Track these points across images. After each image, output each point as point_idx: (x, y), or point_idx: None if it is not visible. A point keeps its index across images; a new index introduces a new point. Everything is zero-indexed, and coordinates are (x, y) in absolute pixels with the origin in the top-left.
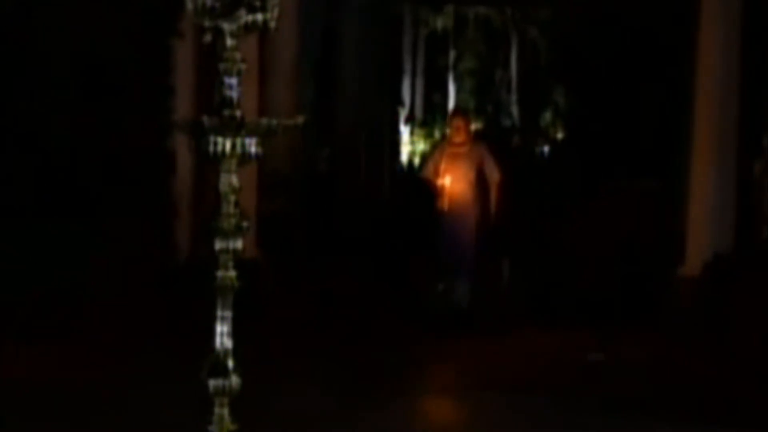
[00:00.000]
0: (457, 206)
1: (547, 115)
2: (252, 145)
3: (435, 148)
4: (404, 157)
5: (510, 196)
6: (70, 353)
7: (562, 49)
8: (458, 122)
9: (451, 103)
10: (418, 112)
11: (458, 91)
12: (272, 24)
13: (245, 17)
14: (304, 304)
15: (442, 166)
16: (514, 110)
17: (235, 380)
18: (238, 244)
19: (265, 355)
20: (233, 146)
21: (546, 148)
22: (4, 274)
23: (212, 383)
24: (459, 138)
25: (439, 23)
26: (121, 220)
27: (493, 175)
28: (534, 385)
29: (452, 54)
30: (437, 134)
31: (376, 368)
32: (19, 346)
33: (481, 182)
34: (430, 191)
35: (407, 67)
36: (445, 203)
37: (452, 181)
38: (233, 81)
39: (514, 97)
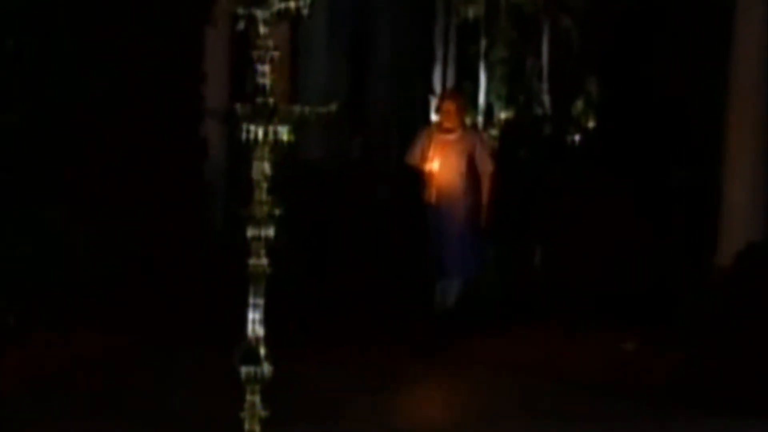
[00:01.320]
0: (446, 198)
1: (579, 104)
2: (284, 133)
3: (422, 131)
4: None
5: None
6: (104, 337)
7: (595, 38)
8: (449, 105)
9: (483, 92)
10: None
11: (489, 80)
12: (305, 12)
13: (278, 5)
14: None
15: (430, 153)
16: (546, 99)
17: (266, 368)
18: (270, 231)
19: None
20: (266, 134)
21: (577, 137)
22: (37, 259)
23: (244, 370)
24: (449, 123)
25: (471, 11)
26: (153, 207)
27: (485, 166)
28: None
29: (484, 42)
30: (468, 123)
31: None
32: (55, 330)
33: (472, 173)
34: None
35: (439, 55)
36: (432, 193)
37: (440, 170)
38: (266, 68)
39: (545, 86)
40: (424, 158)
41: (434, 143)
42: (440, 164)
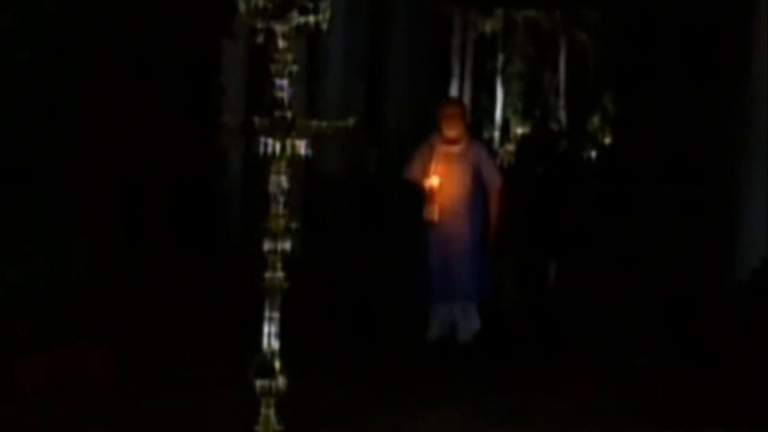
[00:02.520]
0: (450, 215)
1: (595, 120)
2: (302, 147)
3: (423, 143)
4: None
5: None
6: (118, 350)
7: (611, 54)
8: (452, 110)
9: (499, 107)
10: (466, 116)
11: (506, 95)
12: (324, 26)
13: (297, 19)
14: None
15: (432, 166)
16: (562, 114)
17: (281, 381)
18: (287, 245)
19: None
20: (283, 147)
21: (594, 153)
22: (50, 271)
23: (259, 383)
24: (452, 132)
25: (489, 26)
26: (169, 220)
27: (494, 180)
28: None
29: (501, 57)
30: (484, 137)
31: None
32: (68, 342)
33: (477, 188)
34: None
35: (456, 69)
36: (434, 211)
37: (444, 185)
38: (284, 82)
39: (562, 101)
40: (425, 172)
41: (437, 155)
42: (443, 178)
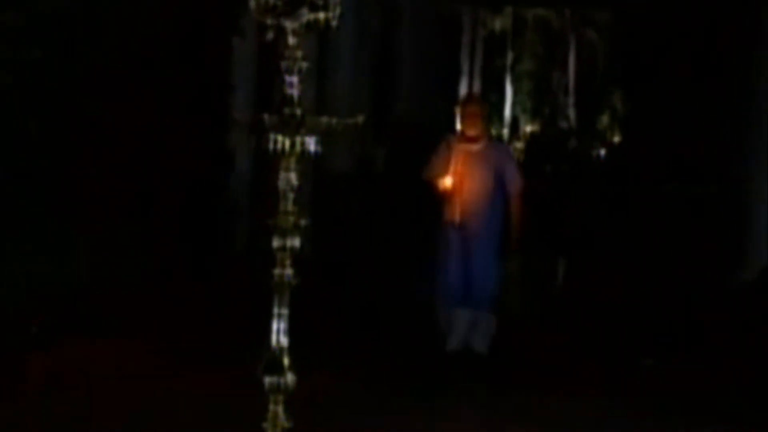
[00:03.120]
0: (471, 217)
1: (604, 119)
2: (312, 144)
3: (442, 142)
4: None
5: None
6: (126, 346)
7: (620, 52)
8: (473, 109)
9: (508, 105)
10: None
11: (515, 93)
12: (334, 23)
13: (307, 16)
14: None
15: (452, 166)
16: (571, 113)
17: (290, 378)
18: (296, 242)
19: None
20: (293, 144)
21: (602, 152)
22: (60, 268)
23: (267, 380)
24: (473, 130)
25: (498, 24)
26: (179, 216)
27: (515, 182)
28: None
29: (510, 55)
30: (493, 135)
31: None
32: (77, 339)
33: (499, 190)
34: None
35: (465, 67)
36: (455, 212)
37: (464, 185)
38: (294, 79)
39: (571, 100)
40: (445, 172)
41: (456, 155)
42: (463, 178)
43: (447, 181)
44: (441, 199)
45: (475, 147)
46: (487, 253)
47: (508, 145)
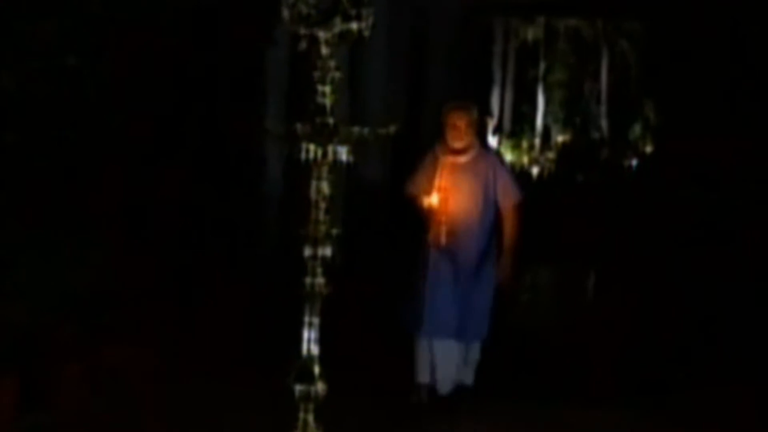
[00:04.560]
0: (457, 239)
1: (636, 128)
2: (343, 153)
3: (427, 154)
4: None
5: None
6: (158, 354)
7: (653, 62)
8: (458, 118)
9: (540, 115)
10: (507, 123)
11: (547, 103)
12: (366, 33)
13: (340, 26)
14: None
15: (436, 181)
16: (603, 123)
17: (320, 386)
18: (327, 251)
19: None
20: (325, 154)
21: (634, 162)
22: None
23: (298, 389)
24: (459, 142)
25: (530, 34)
26: (210, 225)
27: (508, 197)
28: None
29: (542, 65)
30: (525, 145)
31: None
32: (110, 345)
33: (490, 206)
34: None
35: (497, 77)
36: (440, 233)
37: (450, 201)
38: (326, 89)
39: (603, 110)
40: (429, 188)
41: (442, 169)
42: (449, 194)
43: (433, 199)
44: (426, 218)
45: (462, 159)
46: (479, 279)
47: (540, 155)
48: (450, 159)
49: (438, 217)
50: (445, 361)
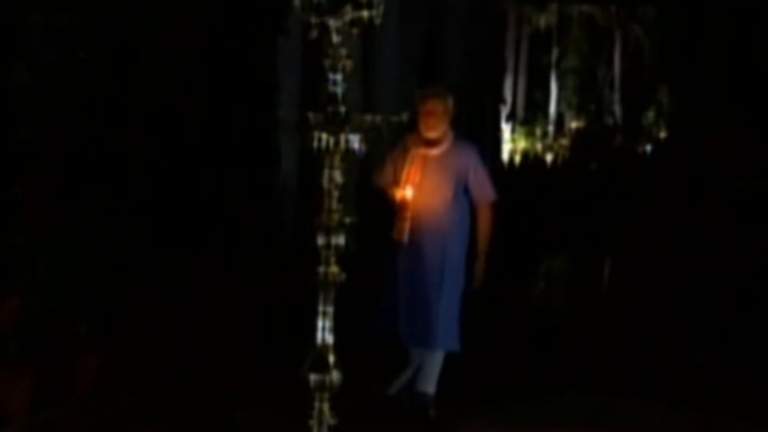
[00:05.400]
0: (424, 237)
1: (650, 114)
2: (356, 142)
3: (397, 144)
4: (505, 154)
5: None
6: (174, 346)
7: (666, 48)
8: (432, 104)
9: (554, 102)
10: (520, 110)
11: (561, 90)
12: (377, 21)
13: (351, 14)
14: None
15: (404, 173)
16: (617, 109)
17: (336, 375)
18: (341, 239)
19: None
20: (337, 142)
21: (648, 148)
22: (107, 268)
23: (313, 378)
24: (432, 132)
25: (543, 21)
26: (225, 215)
27: (483, 193)
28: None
29: (555, 52)
30: (538, 132)
31: None
32: (127, 340)
33: (462, 203)
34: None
35: (510, 64)
36: (404, 230)
37: (420, 197)
38: (338, 77)
39: (616, 96)
40: (397, 180)
41: (411, 160)
42: (419, 189)
43: (407, 192)
44: (397, 212)
45: (435, 151)
46: (443, 281)
47: (554, 142)
48: (422, 151)
49: (404, 214)
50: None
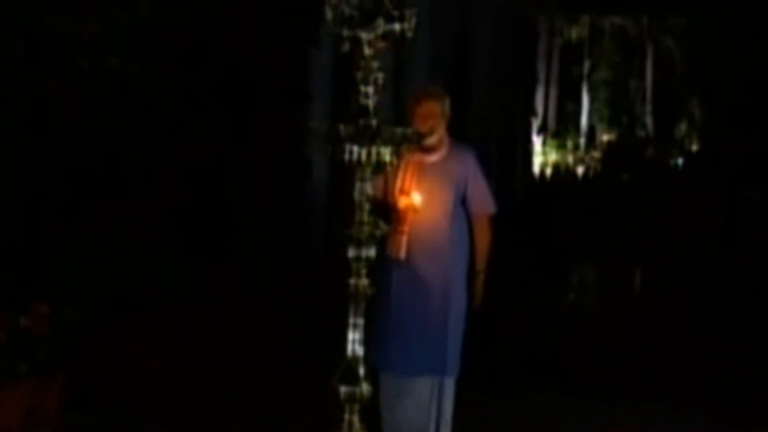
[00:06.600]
0: (421, 252)
1: (682, 126)
2: (387, 154)
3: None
4: (536, 167)
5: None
6: (201, 354)
7: (698, 60)
8: (429, 106)
9: (585, 114)
10: (551, 123)
11: (592, 102)
12: (409, 34)
13: (383, 27)
14: None
15: (399, 182)
16: (649, 121)
17: (365, 387)
18: (371, 252)
19: None
20: (368, 155)
21: (680, 160)
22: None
23: (343, 390)
24: (429, 137)
25: (574, 33)
26: (256, 225)
27: (482, 204)
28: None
29: (587, 64)
30: (570, 145)
31: None
32: (150, 347)
33: (462, 214)
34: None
35: (541, 76)
36: (400, 244)
37: (415, 208)
38: (369, 90)
39: (648, 108)
40: (391, 189)
41: (406, 167)
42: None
43: (415, 198)
44: (397, 222)
45: (432, 158)
46: (452, 302)
47: (585, 154)
48: (416, 157)
49: (402, 227)
50: (409, 403)
